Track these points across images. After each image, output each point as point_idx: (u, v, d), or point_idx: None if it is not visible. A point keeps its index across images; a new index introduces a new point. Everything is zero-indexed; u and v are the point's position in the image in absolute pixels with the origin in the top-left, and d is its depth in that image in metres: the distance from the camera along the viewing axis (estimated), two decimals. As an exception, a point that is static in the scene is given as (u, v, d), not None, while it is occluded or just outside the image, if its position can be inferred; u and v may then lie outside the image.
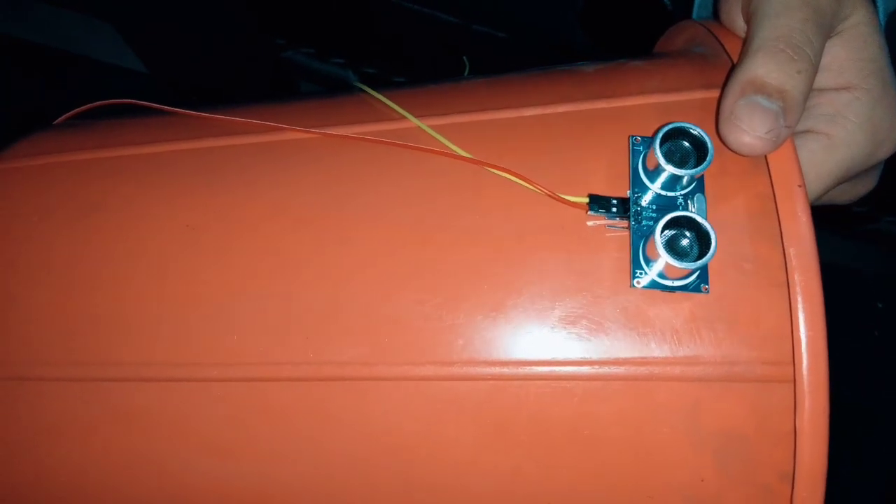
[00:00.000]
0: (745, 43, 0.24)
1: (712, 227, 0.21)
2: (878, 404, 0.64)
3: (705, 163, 0.22)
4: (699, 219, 0.21)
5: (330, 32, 0.81)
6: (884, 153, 0.26)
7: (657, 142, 0.22)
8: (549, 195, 0.24)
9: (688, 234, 0.22)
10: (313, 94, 0.33)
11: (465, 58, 0.50)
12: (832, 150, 0.25)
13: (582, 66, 0.30)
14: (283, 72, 0.80)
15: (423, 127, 0.27)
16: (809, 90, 0.23)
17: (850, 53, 0.25)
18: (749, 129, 0.22)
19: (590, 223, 0.24)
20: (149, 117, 0.32)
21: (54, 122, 0.35)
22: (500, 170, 0.25)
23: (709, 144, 0.22)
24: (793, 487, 0.21)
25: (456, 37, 0.74)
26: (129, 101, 0.33)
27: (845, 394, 0.66)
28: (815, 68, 0.23)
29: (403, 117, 0.27)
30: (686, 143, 0.23)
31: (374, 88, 0.31)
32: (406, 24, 0.75)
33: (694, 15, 0.35)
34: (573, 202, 0.24)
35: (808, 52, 0.23)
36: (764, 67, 0.23)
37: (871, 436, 0.63)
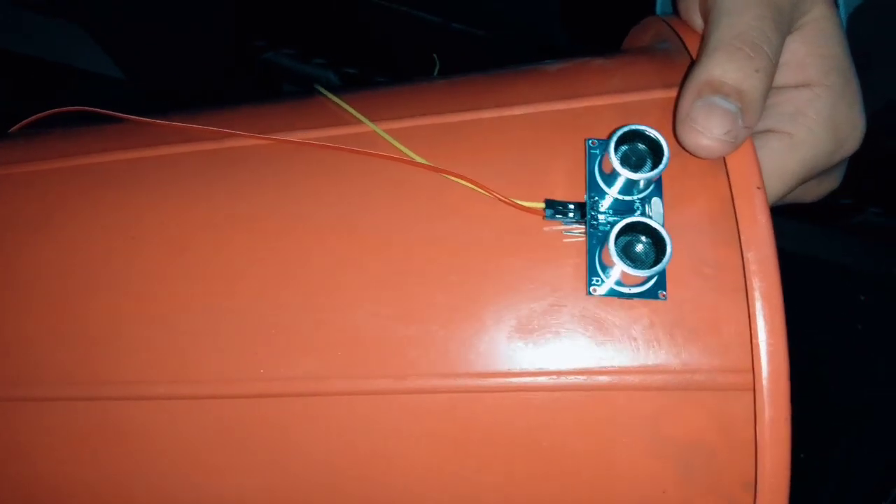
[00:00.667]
0: (703, 41, 0.24)
1: (667, 233, 0.21)
2: (861, 399, 0.64)
3: (661, 166, 0.22)
4: (654, 224, 0.21)
5: (310, 33, 0.80)
6: (847, 150, 0.26)
7: (612, 146, 0.22)
8: (504, 201, 0.23)
9: (644, 239, 0.21)
10: (275, 98, 0.32)
11: (434, 56, 0.50)
12: (794, 150, 0.24)
13: (545, 65, 0.30)
14: (265, 74, 0.79)
15: (380, 132, 0.26)
16: (769, 89, 0.23)
17: (810, 49, 0.25)
18: (706, 131, 0.22)
19: (546, 229, 0.23)
20: (105, 125, 0.31)
21: (9, 131, 0.34)
22: (455, 176, 0.24)
23: (664, 147, 0.22)
24: (755, 498, 0.21)
25: (435, 35, 0.73)
26: (83, 108, 0.32)
27: (829, 389, 0.65)
28: (774, 66, 0.23)
29: (361, 122, 0.27)
30: (642, 146, 0.22)
31: (355, 88, 0.30)
32: (386, 22, 0.74)
33: (658, 10, 0.35)
34: (529, 208, 0.23)
35: (767, 50, 0.22)
36: (720, 67, 0.22)
37: (854, 432, 0.63)
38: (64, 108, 0.33)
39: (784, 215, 0.78)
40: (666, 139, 0.22)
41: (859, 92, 0.26)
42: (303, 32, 0.81)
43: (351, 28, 0.81)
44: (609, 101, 0.26)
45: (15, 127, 0.33)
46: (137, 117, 0.29)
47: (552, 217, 0.23)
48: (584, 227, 0.23)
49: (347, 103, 0.28)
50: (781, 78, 0.26)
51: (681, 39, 0.27)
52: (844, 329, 0.68)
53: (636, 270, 0.20)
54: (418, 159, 0.24)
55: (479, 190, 0.23)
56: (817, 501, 0.63)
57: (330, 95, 0.29)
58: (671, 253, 0.20)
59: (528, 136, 0.25)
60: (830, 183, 0.29)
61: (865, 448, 0.63)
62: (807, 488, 0.62)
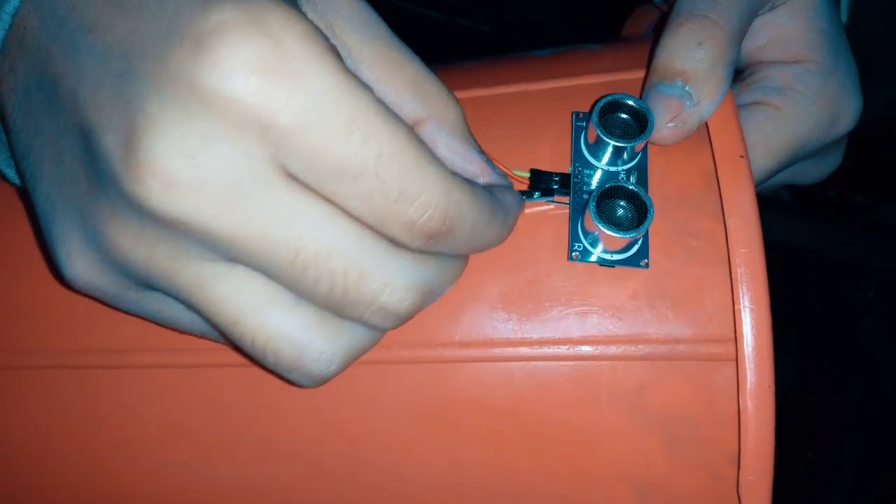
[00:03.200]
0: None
1: (649, 197, 0.21)
2: (870, 395, 0.63)
3: (645, 133, 0.21)
4: (636, 188, 0.21)
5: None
6: (842, 127, 0.25)
7: (596, 115, 0.22)
8: (503, 169, 0.23)
9: (626, 204, 0.21)
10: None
11: None
12: (782, 123, 0.24)
13: (537, 53, 0.30)
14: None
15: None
16: (724, 54, 0.22)
17: (798, 24, 0.25)
18: (657, 119, 0.22)
19: (528, 211, 0.23)
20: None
21: None
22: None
23: (649, 115, 0.22)
24: (738, 470, 0.20)
25: (441, 31, 0.73)
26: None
27: (837, 386, 0.65)
28: (727, 31, 0.22)
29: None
30: (626, 117, 0.22)
31: None
32: (390, 20, 0.75)
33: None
34: (518, 177, 0.23)
35: (713, 17, 0.22)
36: (665, 50, 0.22)
37: (863, 429, 0.62)
38: None
39: (796, 213, 0.77)
40: (651, 109, 0.22)
41: (853, 67, 0.26)
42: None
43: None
44: (597, 79, 0.26)
45: None
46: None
47: (531, 198, 0.23)
48: (568, 197, 0.23)
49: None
50: (770, 53, 0.26)
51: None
52: (853, 325, 0.67)
53: (617, 232, 0.20)
54: None
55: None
56: (827, 500, 0.62)
57: None
58: (653, 215, 0.20)
59: (518, 111, 0.25)
60: (829, 164, 0.29)
61: (874, 445, 0.62)
62: (816, 487, 0.62)
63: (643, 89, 0.23)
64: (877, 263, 0.68)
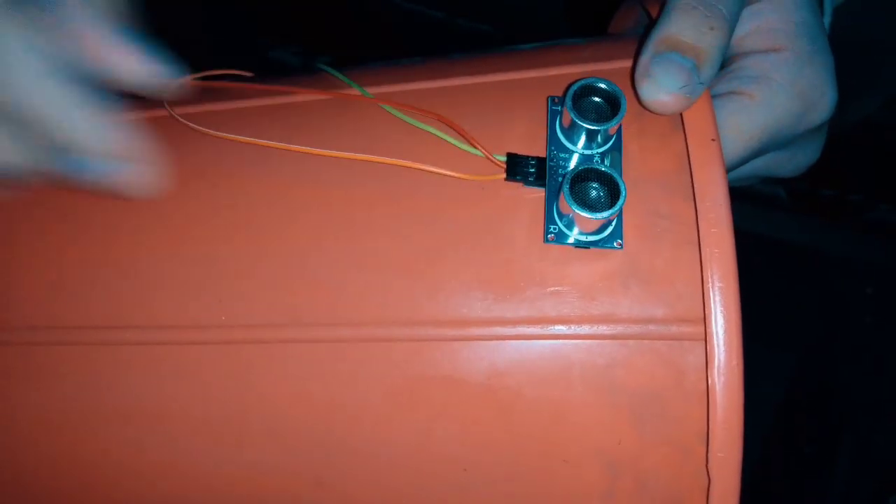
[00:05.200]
0: (663, 5, 0.24)
1: (622, 179, 0.21)
2: (868, 392, 0.63)
3: (618, 116, 0.22)
4: (608, 170, 0.21)
5: (316, 31, 0.81)
6: (816, 118, 0.26)
7: (569, 98, 0.22)
8: (481, 150, 0.23)
9: (599, 186, 0.22)
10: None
11: None
12: (755, 110, 0.24)
13: (520, 47, 0.30)
14: (270, 71, 0.80)
15: (356, 86, 0.27)
16: (724, 46, 0.23)
17: (780, 16, 0.25)
18: (663, 85, 0.22)
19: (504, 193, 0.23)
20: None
21: None
22: (424, 120, 0.24)
23: (621, 99, 0.22)
24: (707, 447, 0.21)
25: (440, 31, 0.74)
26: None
27: (836, 382, 0.65)
28: (729, 25, 0.23)
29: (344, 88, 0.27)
30: (600, 100, 0.23)
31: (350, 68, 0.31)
32: (391, 19, 0.75)
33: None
34: (496, 161, 0.23)
35: (722, 9, 0.23)
36: (677, 25, 0.23)
37: (861, 425, 0.62)
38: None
39: (795, 211, 0.77)
40: (623, 94, 0.22)
41: (830, 60, 0.26)
42: (309, 30, 0.82)
43: (357, 25, 0.82)
44: (576, 69, 0.26)
45: None
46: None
47: (512, 177, 0.23)
48: (544, 180, 0.23)
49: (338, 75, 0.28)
50: (751, 44, 0.26)
51: (649, 16, 0.27)
52: (852, 321, 0.67)
53: (590, 213, 0.21)
54: (369, 95, 0.25)
55: (446, 137, 0.24)
56: (825, 496, 0.62)
57: (325, 67, 0.29)
58: (625, 196, 0.21)
59: (493, 98, 0.26)
60: (807, 156, 0.29)
61: (872, 442, 0.62)
62: (813, 482, 0.62)
63: (640, 58, 0.23)
64: (876, 260, 0.68)
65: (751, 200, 0.79)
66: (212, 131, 0.25)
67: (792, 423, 0.60)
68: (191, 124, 0.25)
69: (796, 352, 0.65)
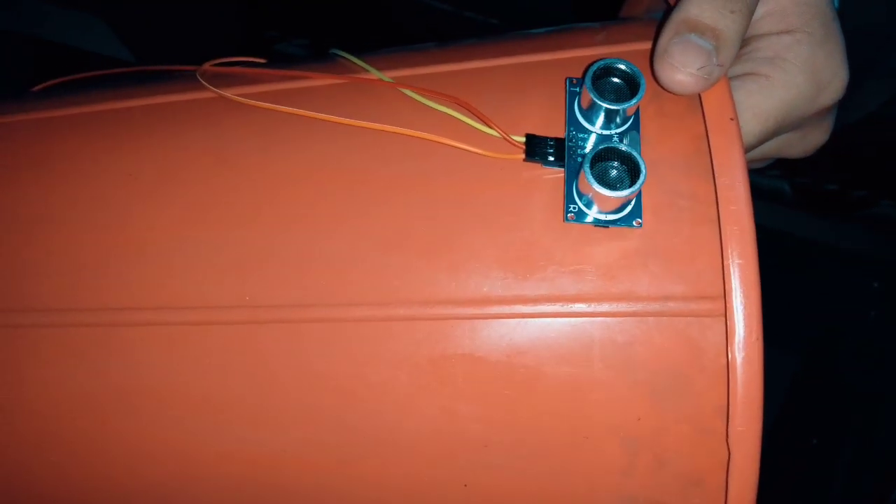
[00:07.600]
0: None
1: (642, 158, 0.21)
2: (874, 385, 0.63)
3: (637, 96, 0.22)
4: (628, 149, 0.21)
5: (323, 23, 0.81)
6: (828, 98, 0.26)
7: (589, 79, 0.22)
8: (500, 131, 0.24)
9: (619, 165, 0.22)
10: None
11: None
12: (771, 91, 0.25)
13: (535, 31, 0.31)
14: (277, 64, 0.81)
15: (374, 71, 0.27)
16: (744, 30, 0.23)
17: None
18: (682, 66, 0.22)
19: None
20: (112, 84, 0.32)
21: (32, 90, 0.35)
22: (442, 105, 0.25)
23: (640, 79, 0.22)
24: (728, 421, 0.21)
25: (448, 24, 0.74)
26: (93, 73, 0.33)
27: (842, 375, 0.65)
28: (749, 9, 0.23)
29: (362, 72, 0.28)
30: (619, 81, 0.23)
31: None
32: (398, 12, 0.76)
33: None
34: (514, 142, 0.24)
35: None
36: (698, 7, 0.23)
37: (867, 418, 0.62)
38: (85, 74, 0.35)
39: (802, 207, 0.77)
40: (642, 74, 0.22)
41: (842, 42, 0.26)
42: (315, 23, 0.82)
43: (363, 18, 0.82)
44: (592, 52, 0.27)
45: (38, 87, 0.35)
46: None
47: (531, 158, 0.23)
48: (563, 161, 0.23)
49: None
50: (765, 26, 0.26)
51: (667, 2, 0.28)
52: (858, 316, 0.67)
53: (610, 192, 0.21)
54: (388, 79, 0.25)
55: (465, 119, 0.24)
56: (830, 486, 0.62)
57: (340, 53, 0.29)
58: (645, 174, 0.21)
59: (511, 81, 0.26)
60: (817, 137, 0.29)
61: (878, 434, 0.62)
62: (819, 473, 0.62)
63: (660, 38, 0.23)
64: (882, 255, 0.69)
65: (755, 195, 0.79)
66: (259, 103, 0.25)
67: (799, 415, 0.61)
68: (237, 97, 0.26)
69: (801, 346, 0.65)
